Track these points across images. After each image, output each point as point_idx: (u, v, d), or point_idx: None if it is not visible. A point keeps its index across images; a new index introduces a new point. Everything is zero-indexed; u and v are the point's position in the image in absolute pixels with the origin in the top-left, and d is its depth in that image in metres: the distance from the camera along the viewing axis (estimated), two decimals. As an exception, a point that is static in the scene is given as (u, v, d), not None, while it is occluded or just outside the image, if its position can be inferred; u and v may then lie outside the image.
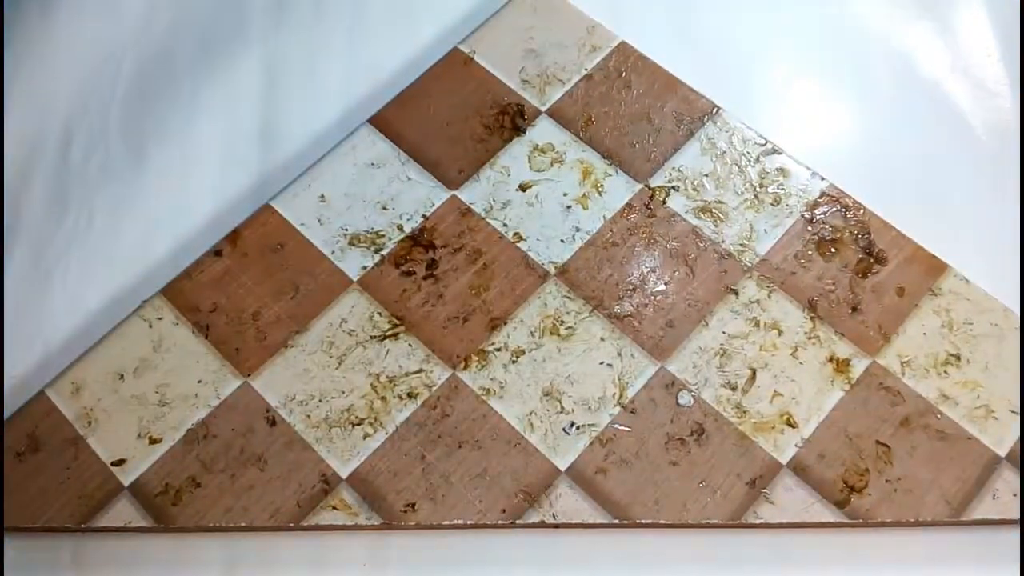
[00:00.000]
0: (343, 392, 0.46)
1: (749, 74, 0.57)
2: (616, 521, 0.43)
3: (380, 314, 0.48)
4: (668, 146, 0.52)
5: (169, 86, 0.58)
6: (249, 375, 0.46)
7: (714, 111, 0.53)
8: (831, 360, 0.46)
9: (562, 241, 0.50)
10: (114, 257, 0.52)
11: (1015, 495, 0.43)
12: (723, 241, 0.49)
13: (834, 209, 0.50)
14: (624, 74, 0.54)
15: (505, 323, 0.47)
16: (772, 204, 0.50)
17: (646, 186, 0.51)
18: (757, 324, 0.47)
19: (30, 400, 0.46)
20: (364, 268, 0.49)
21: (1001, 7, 0.59)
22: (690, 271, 0.49)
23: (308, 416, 0.45)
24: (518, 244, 0.49)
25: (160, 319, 0.48)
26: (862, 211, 0.50)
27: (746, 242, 0.49)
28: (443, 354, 0.47)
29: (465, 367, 0.46)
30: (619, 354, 0.47)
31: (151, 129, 0.56)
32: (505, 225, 0.50)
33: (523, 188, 0.51)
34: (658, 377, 0.46)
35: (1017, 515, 0.43)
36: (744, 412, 0.45)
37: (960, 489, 0.43)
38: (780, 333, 0.47)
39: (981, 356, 0.46)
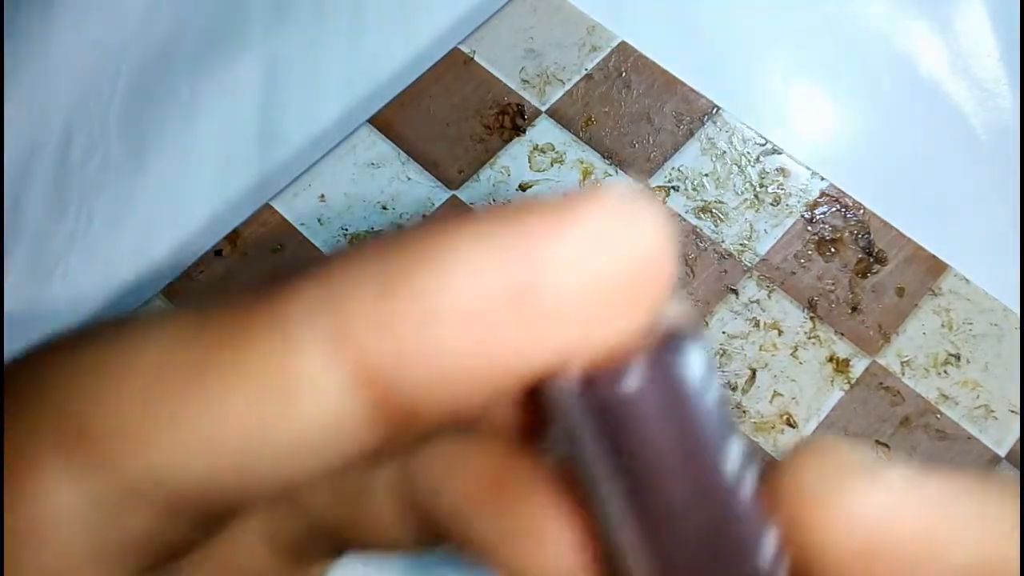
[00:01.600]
0: (343, 392, 0.46)
1: (749, 74, 0.57)
2: (616, 521, 0.43)
3: (380, 314, 0.48)
4: (668, 146, 0.52)
5: (169, 86, 0.58)
6: (249, 375, 0.46)
7: (714, 111, 0.53)
8: (831, 360, 0.46)
9: (562, 241, 0.49)
10: (114, 257, 0.52)
11: (1015, 495, 0.43)
12: (723, 241, 0.49)
13: (834, 209, 0.50)
14: (624, 74, 0.54)
15: (505, 323, 0.47)
16: (772, 204, 0.50)
17: (646, 186, 0.51)
18: (757, 324, 0.47)
19: (30, 400, 0.46)
20: (364, 268, 0.49)
21: (1001, 7, 0.59)
22: (690, 271, 0.49)
23: (308, 416, 0.45)
24: (518, 244, 0.49)
25: (160, 319, 0.48)
26: (862, 211, 0.50)
27: (746, 242, 0.49)
28: (443, 354, 0.47)
29: (465, 367, 0.46)
30: (619, 354, 0.47)
31: (151, 129, 0.56)
32: (505, 225, 0.50)
33: (523, 188, 0.51)
34: (658, 377, 0.46)
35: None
36: (744, 412, 0.45)
37: (960, 489, 0.43)
38: (780, 333, 0.47)
39: (981, 356, 0.46)
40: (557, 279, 0.12)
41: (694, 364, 0.13)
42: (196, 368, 0.12)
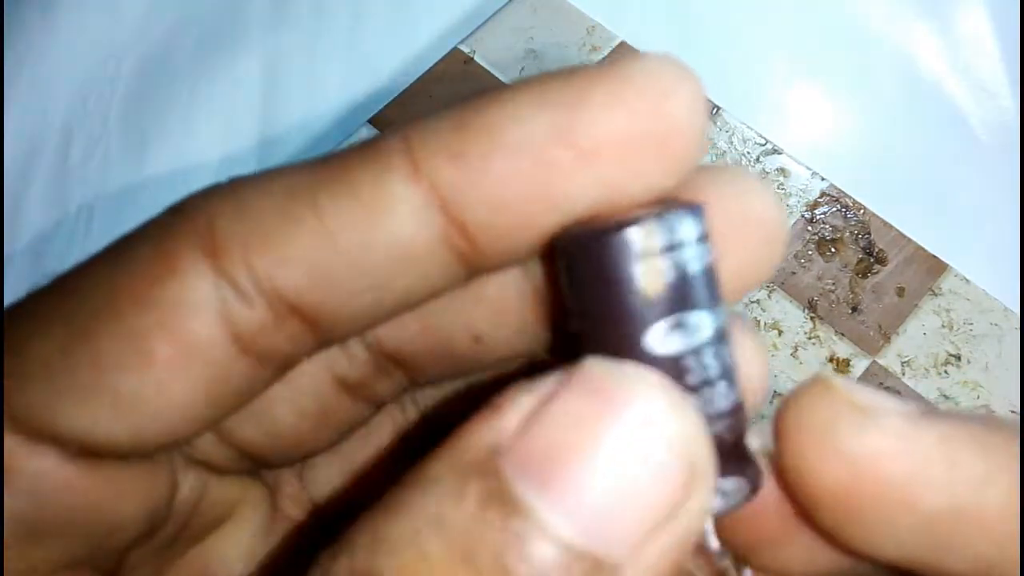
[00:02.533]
0: (343, 392, 0.46)
1: (749, 74, 0.57)
2: (616, 521, 0.43)
3: (380, 314, 0.48)
4: (668, 146, 0.52)
5: (169, 86, 0.58)
6: (249, 375, 0.46)
7: (714, 111, 0.53)
8: (831, 360, 0.46)
9: (562, 241, 0.49)
10: (114, 257, 0.52)
11: (1015, 495, 0.43)
12: (723, 241, 0.49)
13: (834, 209, 0.50)
14: (624, 74, 0.54)
15: (505, 323, 0.47)
16: (772, 204, 0.50)
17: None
18: (757, 324, 0.47)
19: (30, 400, 0.46)
20: (364, 268, 0.49)
21: (1001, 7, 0.59)
22: (690, 271, 0.49)
23: (308, 416, 0.45)
24: (518, 244, 0.49)
25: (160, 319, 0.48)
26: (862, 211, 0.50)
27: (746, 242, 0.49)
28: (443, 354, 0.47)
29: (465, 367, 0.46)
30: (619, 354, 0.47)
31: (151, 129, 0.56)
32: (505, 225, 0.50)
33: (523, 188, 0.51)
34: (658, 377, 0.46)
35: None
36: (744, 412, 0.45)
37: (960, 489, 0.43)
38: (780, 333, 0.47)
39: (981, 356, 0.46)
40: (593, 123, 0.14)
41: (679, 232, 0.14)
42: (311, 190, 0.15)
